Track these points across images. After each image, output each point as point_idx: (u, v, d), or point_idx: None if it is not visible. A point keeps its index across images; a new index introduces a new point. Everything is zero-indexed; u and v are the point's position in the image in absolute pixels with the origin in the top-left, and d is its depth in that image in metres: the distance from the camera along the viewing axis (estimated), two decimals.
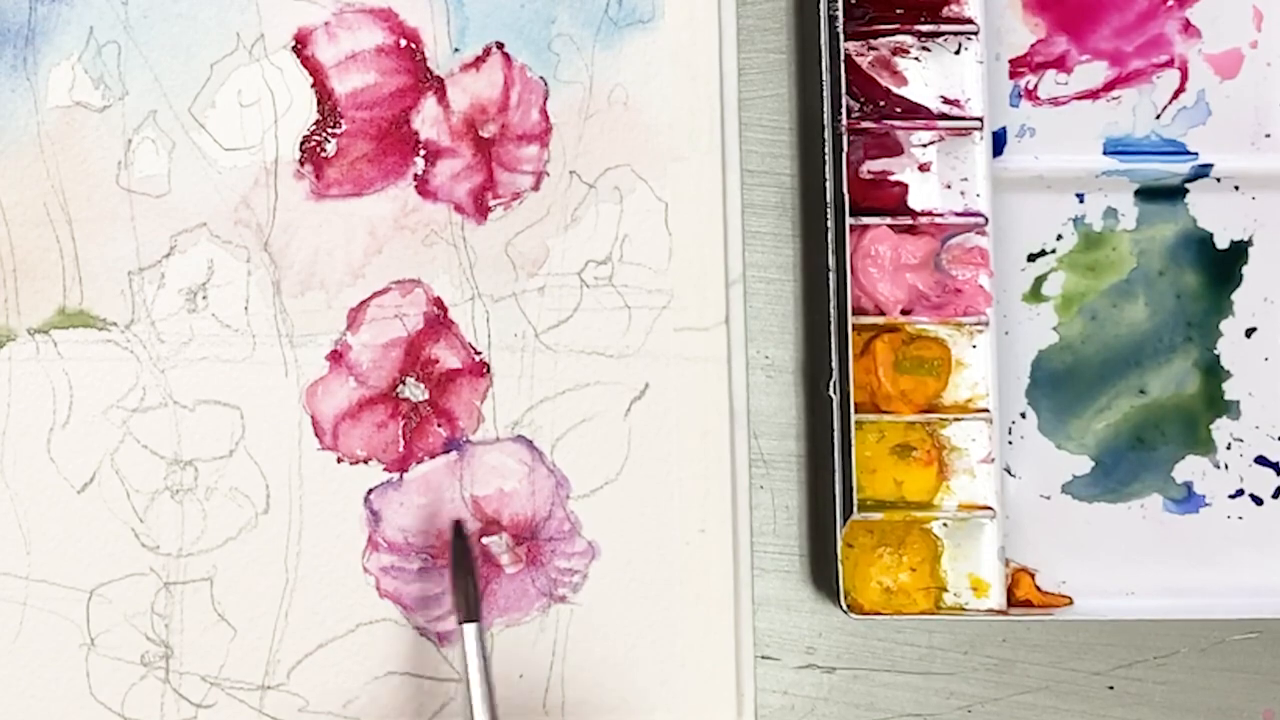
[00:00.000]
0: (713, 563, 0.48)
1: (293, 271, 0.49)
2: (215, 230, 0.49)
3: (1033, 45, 0.51)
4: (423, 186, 0.49)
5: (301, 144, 0.49)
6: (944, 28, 0.49)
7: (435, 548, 0.48)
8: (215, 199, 0.49)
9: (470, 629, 0.45)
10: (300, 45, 0.49)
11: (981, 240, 0.49)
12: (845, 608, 0.47)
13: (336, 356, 0.49)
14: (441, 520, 0.48)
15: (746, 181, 0.50)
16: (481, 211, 0.49)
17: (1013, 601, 0.48)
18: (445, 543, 0.48)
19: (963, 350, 0.49)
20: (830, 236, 0.48)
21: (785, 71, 0.51)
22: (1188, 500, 0.50)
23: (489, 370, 0.49)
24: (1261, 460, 0.50)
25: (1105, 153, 0.50)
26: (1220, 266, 0.50)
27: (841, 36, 0.48)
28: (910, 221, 0.49)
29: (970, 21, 0.49)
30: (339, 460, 0.48)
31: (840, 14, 0.48)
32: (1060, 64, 0.51)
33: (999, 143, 0.50)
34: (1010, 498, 0.49)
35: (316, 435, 0.48)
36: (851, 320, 0.47)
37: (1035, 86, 0.51)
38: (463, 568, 0.46)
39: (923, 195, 0.49)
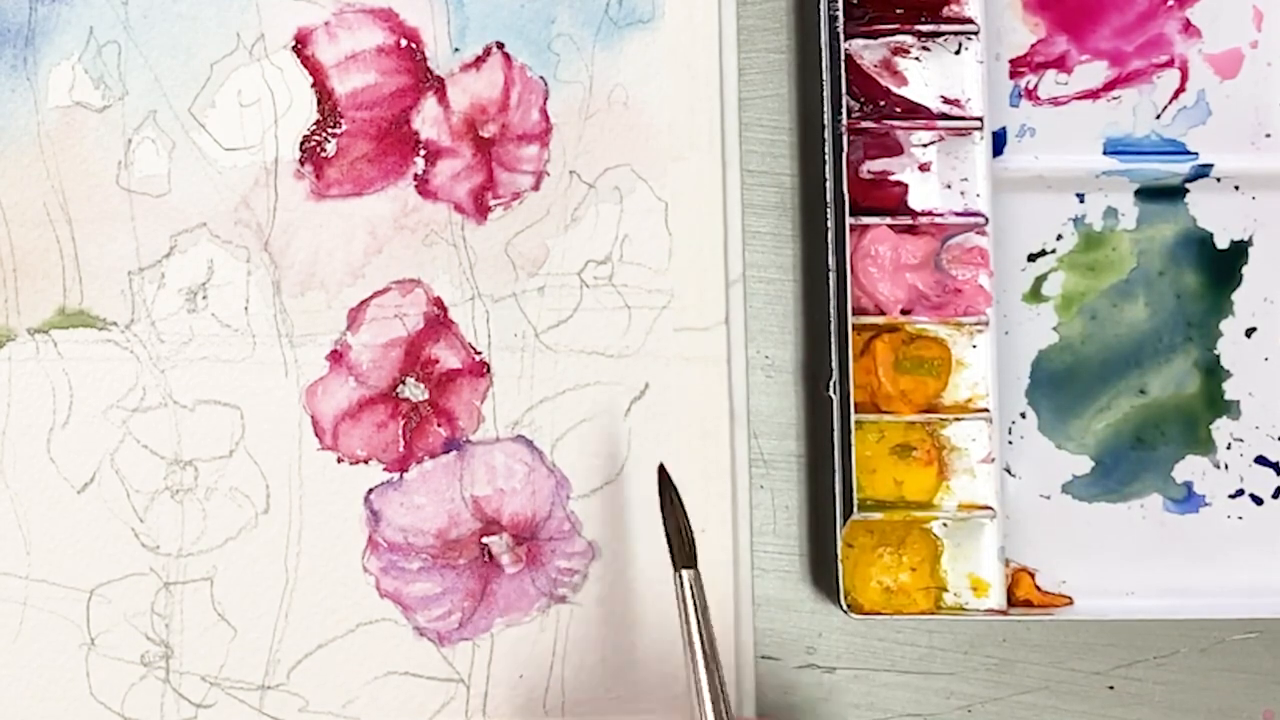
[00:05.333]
0: (713, 563, 0.48)
1: (293, 271, 0.49)
2: (215, 230, 0.49)
3: (1033, 45, 0.51)
4: (423, 186, 0.49)
5: (301, 144, 0.49)
6: (944, 28, 0.49)
7: (435, 548, 0.48)
8: (215, 199, 0.49)
9: (689, 575, 0.43)
10: (300, 45, 0.49)
11: (981, 240, 0.49)
12: (845, 608, 0.47)
13: (336, 356, 0.49)
14: (441, 520, 0.48)
15: (746, 181, 0.50)
16: (481, 211, 0.49)
17: (1013, 601, 0.48)
18: (447, 544, 0.48)
19: (963, 350, 0.49)
20: (830, 236, 0.48)
21: (785, 71, 0.51)
22: (1188, 500, 0.50)
23: (489, 370, 0.49)
24: (1261, 460, 0.50)
25: (1105, 153, 0.50)
26: (1220, 266, 0.50)
27: (841, 36, 0.48)
28: (910, 221, 0.49)
29: (970, 21, 0.49)
30: (339, 460, 0.48)
31: (840, 14, 0.48)
32: (1060, 64, 0.51)
33: (999, 143, 0.50)
34: (1010, 498, 0.49)
35: (316, 435, 0.48)
36: (851, 320, 0.47)
37: (1035, 86, 0.51)
38: (673, 511, 0.44)
39: (923, 195, 0.49)
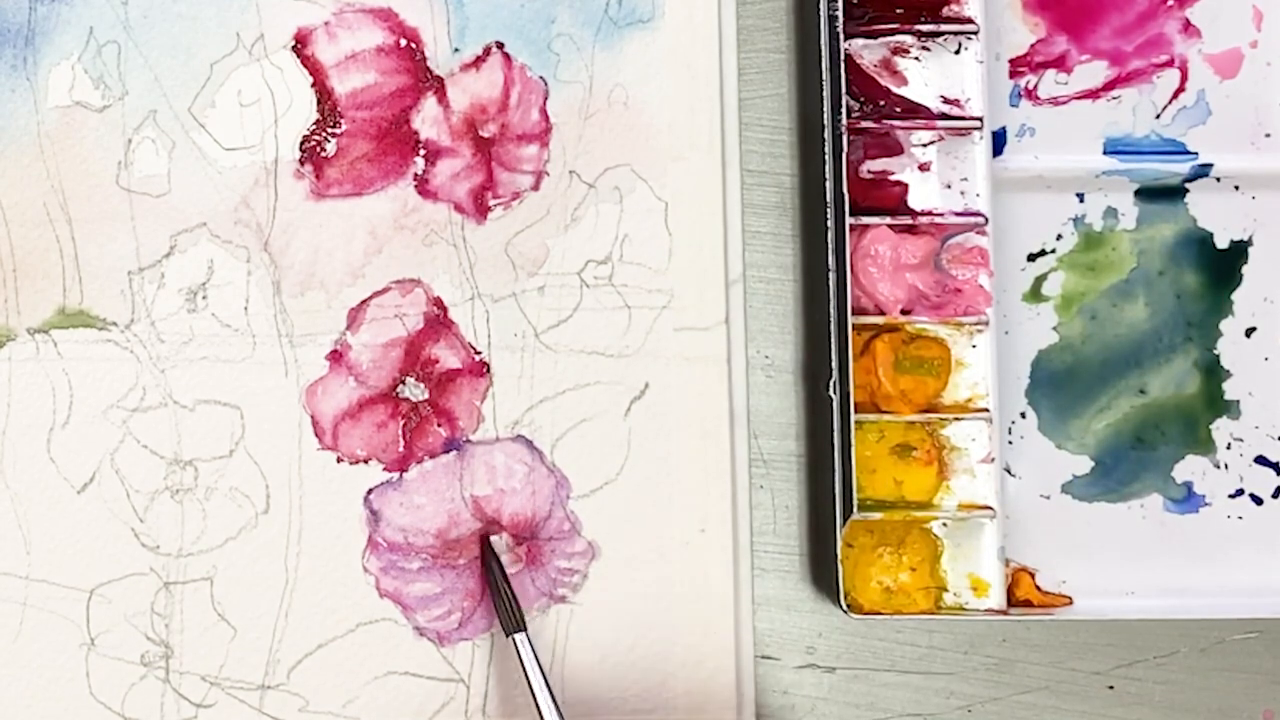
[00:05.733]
0: (713, 563, 0.48)
1: (293, 271, 0.49)
2: (215, 230, 0.49)
3: (1033, 45, 0.51)
4: (423, 186, 0.49)
5: (301, 144, 0.49)
6: (944, 27, 0.49)
7: (435, 548, 0.48)
8: (215, 199, 0.49)
9: (520, 638, 0.46)
10: (300, 45, 0.49)
11: (981, 240, 0.49)
12: (845, 608, 0.47)
13: (336, 356, 0.49)
14: (441, 520, 0.48)
15: (746, 181, 0.50)
16: (481, 211, 0.49)
17: (1013, 601, 0.48)
18: (447, 544, 0.48)
19: (963, 350, 0.49)
20: (830, 236, 0.48)
21: (785, 71, 0.51)
22: (1188, 500, 0.50)
23: (489, 370, 0.49)
24: (1261, 460, 0.50)
25: (1105, 152, 0.50)
26: (1220, 266, 0.50)
27: (841, 36, 0.48)
28: (910, 221, 0.49)
29: (970, 21, 0.49)
30: (339, 460, 0.48)
31: (840, 14, 0.48)
32: (1060, 64, 0.51)
33: (999, 142, 0.50)
34: (1010, 498, 0.49)
35: (316, 435, 0.48)
36: (851, 320, 0.47)
37: (1035, 86, 0.51)
38: (497, 582, 0.47)
39: (923, 195, 0.49)
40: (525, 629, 0.46)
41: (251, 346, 0.49)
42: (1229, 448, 0.50)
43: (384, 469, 0.48)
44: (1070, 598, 0.49)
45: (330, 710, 0.48)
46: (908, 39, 0.49)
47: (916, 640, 0.50)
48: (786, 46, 0.51)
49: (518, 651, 0.46)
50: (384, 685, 0.48)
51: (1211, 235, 0.50)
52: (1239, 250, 0.50)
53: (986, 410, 0.48)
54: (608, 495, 0.48)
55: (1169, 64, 0.51)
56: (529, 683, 0.45)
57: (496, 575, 0.47)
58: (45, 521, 0.48)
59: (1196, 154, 0.50)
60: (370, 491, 0.48)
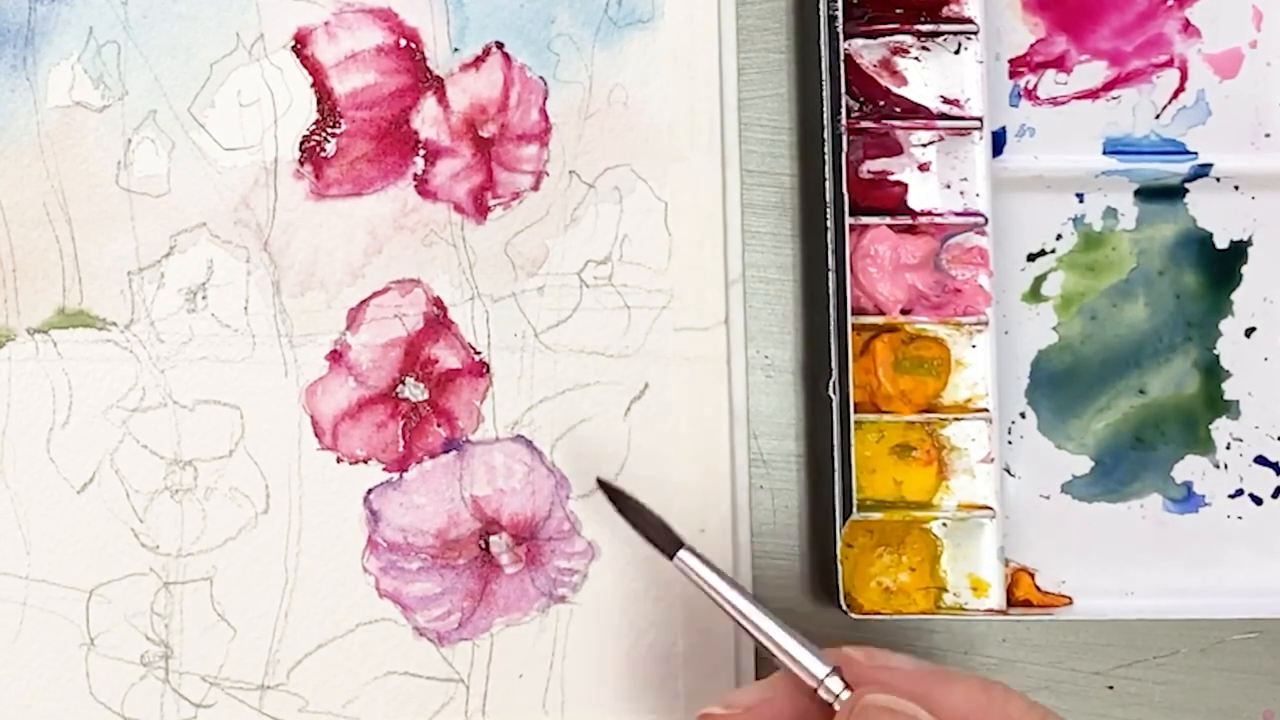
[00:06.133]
0: (713, 562, 0.48)
1: (293, 271, 0.49)
2: (215, 230, 0.49)
3: (1032, 45, 0.51)
4: (422, 186, 0.49)
5: (301, 144, 0.49)
6: (944, 28, 0.49)
7: (435, 548, 0.48)
8: (215, 199, 0.49)
9: (685, 555, 0.42)
10: (300, 45, 0.49)
11: (981, 240, 0.49)
12: (845, 608, 0.47)
13: (336, 356, 0.49)
14: (441, 520, 0.48)
15: (746, 181, 0.50)
16: (481, 211, 0.49)
17: (1013, 601, 0.48)
18: (447, 544, 0.48)
19: (962, 350, 0.49)
20: (830, 236, 0.48)
21: (785, 71, 0.51)
22: (1188, 500, 0.50)
23: (489, 370, 0.49)
24: (1261, 460, 0.50)
25: (1105, 153, 0.50)
26: (1220, 266, 0.50)
27: (841, 36, 0.48)
28: (910, 221, 0.49)
29: (970, 21, 0.49)
30: (339, 460, 0.48)
31: (840, 14, 0.48)
32: (1060, 64, 0.51)
33: (999, 142, 0.50)
34: (1010, 498, 0.49)
35: (316, 435, 0.48)
36: (851, 320, 0.47)
37: (1035, 86, 0.51)
38: (631, 513, 0.43)
39: (922, 195, 0.49)
40: (684, 544, 0.42)
41: (251, 346, 0.49)
42: (1229, 448, 0.50)
43: (384, 469, 0.48)
44: (1070, 598, 0.49)
45: (330, 710, 0.48)
46: (908, 39, 0.49)
47: (916, 640, 0.50)
48: (786, 46, 0.51)
49: (686, 571, 0.42)
50: (384, 685, 0.48)
51: (1211, 235, 0.50)
52: (1239, 250, 0.50)
53: (986, 410, 0.48)
54: None
55: (1169, 64, 0.51)
56: (715, 594, 0.42)
57: (629, 507, 0.44)
58: (45, 521, 0.48)
59: (1196, 154, 0.50)
60: (370, 491, 0.48)
